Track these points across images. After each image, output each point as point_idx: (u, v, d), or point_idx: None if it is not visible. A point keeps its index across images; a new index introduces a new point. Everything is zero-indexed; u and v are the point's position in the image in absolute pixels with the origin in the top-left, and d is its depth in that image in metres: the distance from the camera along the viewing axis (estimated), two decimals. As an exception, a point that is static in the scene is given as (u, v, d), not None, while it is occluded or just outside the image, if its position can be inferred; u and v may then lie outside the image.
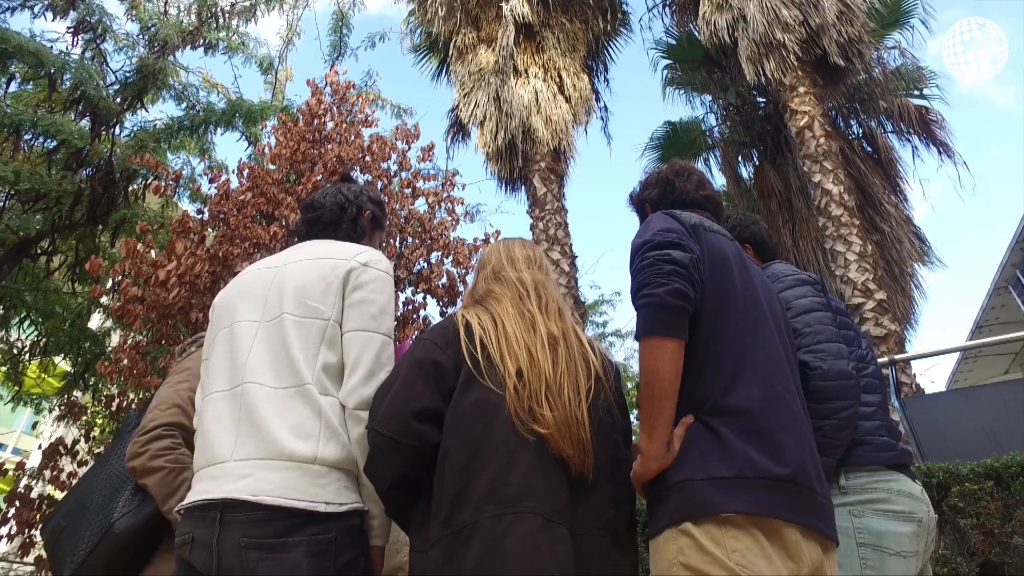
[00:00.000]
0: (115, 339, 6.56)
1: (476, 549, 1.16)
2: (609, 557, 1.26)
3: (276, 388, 1.39)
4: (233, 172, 6.30)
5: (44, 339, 7.16)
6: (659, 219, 1.51)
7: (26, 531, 4.97)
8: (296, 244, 1.74)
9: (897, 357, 4.25)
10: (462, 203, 6.84)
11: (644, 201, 1.85)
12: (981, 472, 2.99)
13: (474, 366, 1.35)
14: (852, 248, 6.37)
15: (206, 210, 5.46)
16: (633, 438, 1.46)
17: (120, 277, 4.76)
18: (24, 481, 5.20)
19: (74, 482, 4.84)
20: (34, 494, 5.04)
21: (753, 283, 1.52)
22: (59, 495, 5.18)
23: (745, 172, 11.01)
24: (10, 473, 5.99)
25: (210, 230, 5.48)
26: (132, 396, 5.27)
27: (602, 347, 1.57)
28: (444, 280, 6.45)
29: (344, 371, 1.44)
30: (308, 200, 1.79)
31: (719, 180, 10.88)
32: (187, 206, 7.65)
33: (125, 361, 4.60)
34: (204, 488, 1.33)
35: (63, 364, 7.93)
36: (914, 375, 5.83)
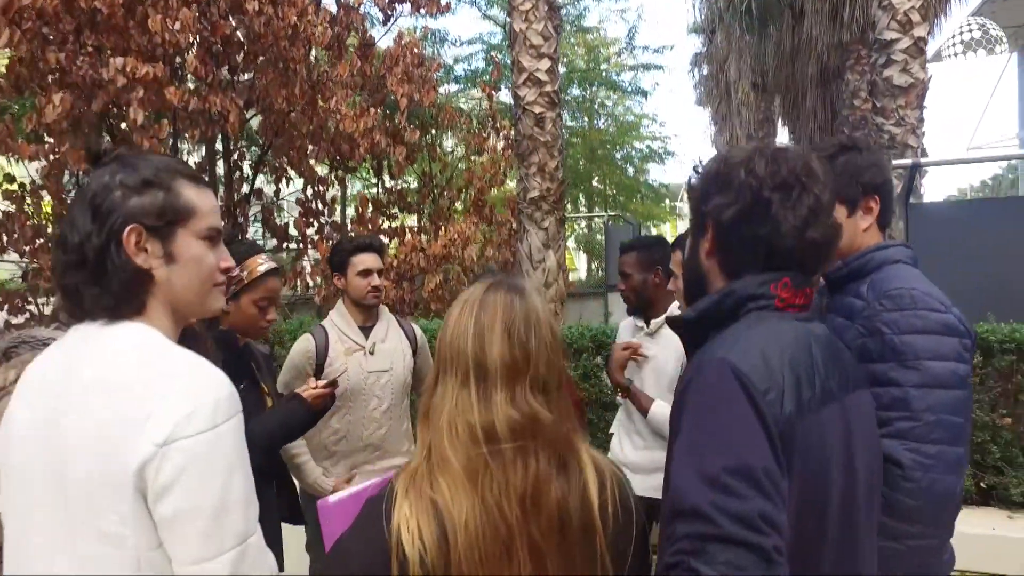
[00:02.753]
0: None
1: None
2: None
3: None
4: None
5: None
6: (724, 390, 0.86)
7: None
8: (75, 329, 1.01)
9: (922, 161, 3.64)
10: None
11: (709, 216, 1.06)
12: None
13: None
14: (908, -43, 4.98)
15: None
16: None
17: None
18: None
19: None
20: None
21: (856, 478, 0.95)
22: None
23: None
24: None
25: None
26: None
27: (613, 489, 1.02)
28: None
29: None
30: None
31: None
32: None
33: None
34: None
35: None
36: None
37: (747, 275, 1.02)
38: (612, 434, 2.64)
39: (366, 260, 2.46)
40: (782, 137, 14.21)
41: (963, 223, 3.65)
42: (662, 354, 2.36)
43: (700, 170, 1.09)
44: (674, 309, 2.36)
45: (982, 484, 2.81)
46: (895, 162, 3.72)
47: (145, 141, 3.83)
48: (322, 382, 2.04)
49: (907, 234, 3.69)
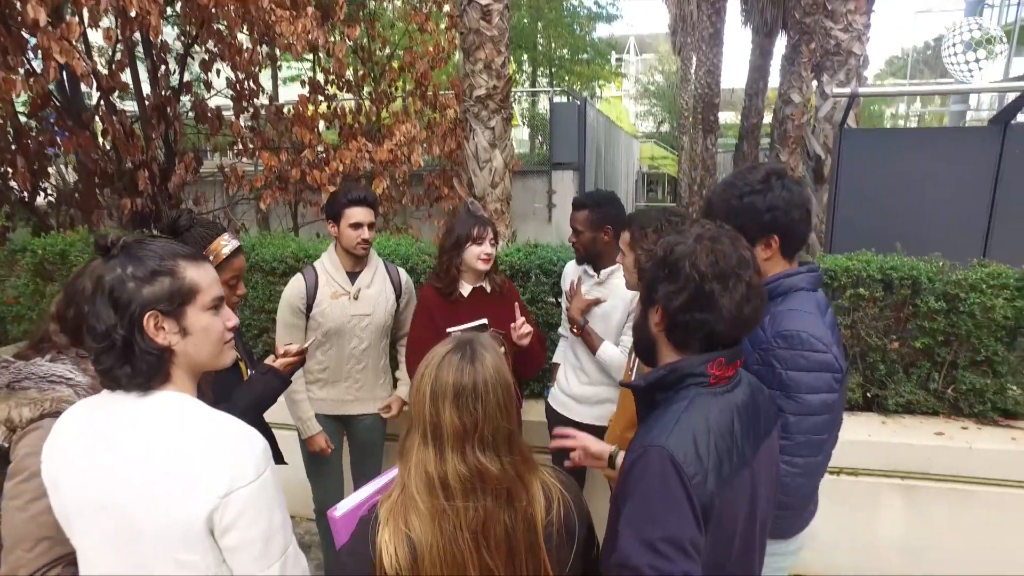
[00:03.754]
0: None
1: None
2: None
3: None
4: None
5: None
6: (663, 476, 1.09)
7: None
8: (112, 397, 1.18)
9: (861, 91, 3.73)
10: None
11: (659, 301, 1.23)
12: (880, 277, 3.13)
13: None
14: None
15: None
16: None
17: None
18: None
19: None
20: None
21: (755, 521, 1.22)
22: None
23: None
24: None
25: None
26: None
27: (559, 508, 1.27)
28: None
29: None
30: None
31: None
32: None
33: None
34: None
35: None
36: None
37: (691, 346, 1.22)
38: (556, 364, 2.93)
39: (358, 214, 2.60)
40: (733, 8, 13.71)
41: (891, 152, 3.87)
42: (610, 303, 2.59)
43: (649, 250, 1.25)
44: (619, 274, 2.53)
45: (867, 394, 3.31)
46: (836, 91, 3.82)
47: (52, 43, 3.46)
48: (293, 347, 2.19)
49: (838, 159, 3.91)
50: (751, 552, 1.25)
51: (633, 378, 2.10)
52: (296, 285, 2.64)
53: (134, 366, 1.13)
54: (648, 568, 1.05)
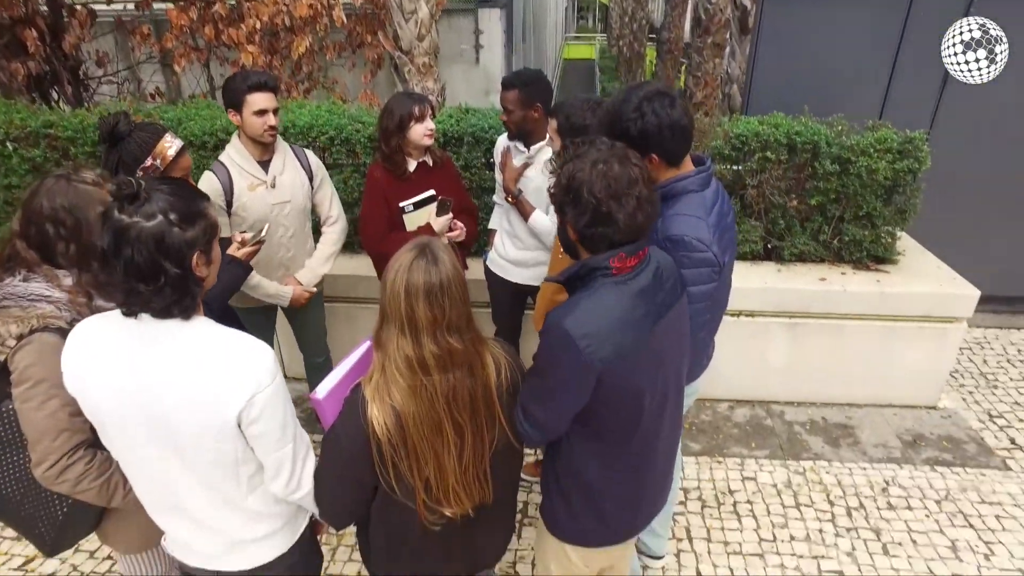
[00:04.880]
0: None
1: None
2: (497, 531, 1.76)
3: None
4: None
5: None
6: (560, 344, 1.41)
7: None
8: (140, 322, 1.31)
9: None
10: None
11: (568, 222, 1.50)
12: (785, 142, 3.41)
13: (389, 489, 1.48)
14: None
15: None
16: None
17: None
18: None
19: None
20: None
21: (668, 384, 1.57)
22: None
23: None
24: None
25: None
26: None
27: (505, 371, 1.55)
28: None
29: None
30: (106, 243, 1.22)
31: None
32: None
33: None
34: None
35: None
36: None
37: (600, 249, 1.50)
38: (493, 230, 3.16)
39: (261, 100, 2.51)
40: None
41: (811, 6, 3.96)
42: (540, 176, 2.77)
43: (555, 177, 1.52)
44: (548, 150, 2.70)
45: (768, 245, 3.74)
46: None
47: None
48: (249, 235, 2.30)
49: (759, 22, 3.98)
50: (666, 396, 1.62)
51: None
52: (210, 184, 2.57)
53: (186, 300, 1.29)
54: (522, 409, 1.50)
